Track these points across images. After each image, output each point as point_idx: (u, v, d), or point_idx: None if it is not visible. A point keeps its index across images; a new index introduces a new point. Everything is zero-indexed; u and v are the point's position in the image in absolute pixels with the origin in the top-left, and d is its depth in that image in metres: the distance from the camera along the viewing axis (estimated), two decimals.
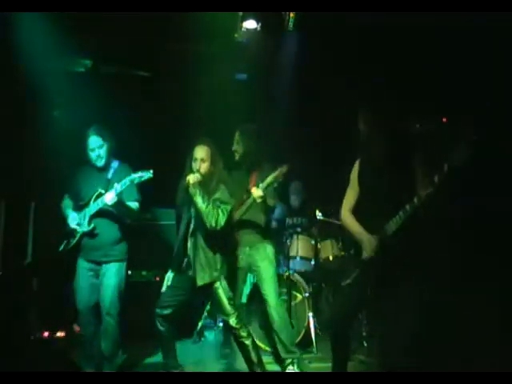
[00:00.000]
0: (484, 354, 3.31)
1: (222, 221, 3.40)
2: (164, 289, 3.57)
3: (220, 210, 3.41)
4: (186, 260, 3.51)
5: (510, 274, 3.58)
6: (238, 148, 3.96)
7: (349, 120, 3.07)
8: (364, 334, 4.41)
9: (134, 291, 4.73)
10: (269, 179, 3.64)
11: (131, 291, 3.96)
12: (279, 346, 3.86)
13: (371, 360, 4.05)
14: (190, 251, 3.52)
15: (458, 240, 3.79)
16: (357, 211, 3.07)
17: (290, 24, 4.59)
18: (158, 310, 3.52)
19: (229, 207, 3.46)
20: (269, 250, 3.96)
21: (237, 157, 3.98)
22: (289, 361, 3.83)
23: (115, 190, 3.60)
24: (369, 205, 2.97)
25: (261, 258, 3.92)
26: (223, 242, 3.56)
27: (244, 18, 4.64)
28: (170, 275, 3.58)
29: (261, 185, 3.65)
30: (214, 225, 3.37)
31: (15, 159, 4.79)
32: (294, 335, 3.98)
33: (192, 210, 3.52)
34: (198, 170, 3.47)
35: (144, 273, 5.03)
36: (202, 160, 3.49)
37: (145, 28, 4.56)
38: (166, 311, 3.52)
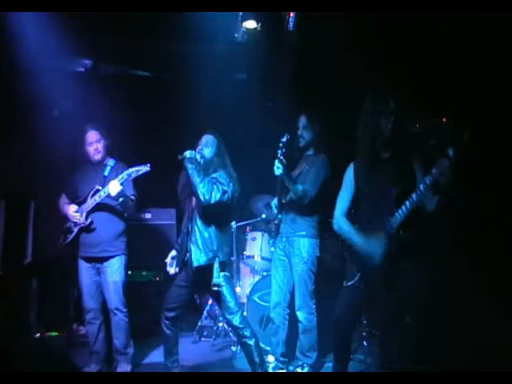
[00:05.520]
0: (485, 353, 3.31)
1: (216, 195, 3.37)
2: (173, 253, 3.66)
3: (215, 186, 3.40)
4: (188, 254, 3.50)
5: None
6: (304, 134, 3.84)
7: (349, 120, 3.06)
8: (364, 334, 4.40)
9: (134, 291, 4.73)
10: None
11: (131, 291, 3.96)
12: (297, 345, 3.83)
13: (371, 360, 4.05)
14: (185, 235, 3.54)
15: (465, 234, 3.75)
16: (355, 213, 3.05)
17: (290, 24, 4.58)
18: (166, 313, 3.53)
19: (225, 188, 3.44)
20: (303, 246, 3.78)
21: (302, 143, 3.87)
22: (300, 362, 3.82)
23: (118, 180, 3.62)
24: (369, 205, 2.96)
25: (293, 253, 3.81)
26: (219, 223, 3.53)
27: (244, 18, 4.63)
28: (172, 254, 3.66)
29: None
30: (207, 197, 3.35)
31: (15, 159, 4.79)
32: (315, 341, 3.81)
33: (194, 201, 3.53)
34: (201, 152, 3.52)
35: (144, 273, 5.04)
36: (206, 145, 3.57)
37: (145, 28, 4.55)
38: (173, 313, 3.53)
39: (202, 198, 3.35)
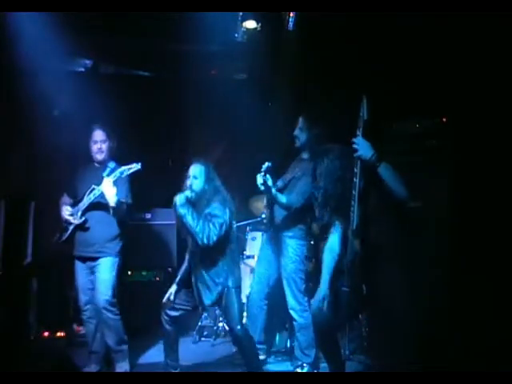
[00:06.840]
0: (480, 351, 3.30)
1: (214, 235, 3.34)
2: (174, 288, 3.58)
3: (211, 224, 3.35)
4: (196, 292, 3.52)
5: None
6: (300, 135, 3.84)
7: (349, 120, 3.06)
8: (364, 334, 4.40)
9: (134, 291, 4.74)
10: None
11: (131, 291, 3.96)
12: (295, 344, 3.87)
13: (371, 360, 4.04)
14: (192, 272, 3.55)
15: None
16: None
17: (290, 24, 4.58)
18: (167, 311, 3.52)
19: (221, 220, 3.39)
20: (291, 246, 3.82)
21: (297, 144, 3.87)
22: (299, 363, 3.83)
23: (111, 177, 3.62)
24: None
25: (281, 253, 3.85)
26: (223, 251, 3.49)
27: (244, 18, 4.63)
28: (172, 291, 3.60)
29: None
30: (205, 241, 3.32)
31: (15, 159, 4.79)
32: (313, 338, 3.78)
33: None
34: (190, 187, 3.48)
35: (144, 273, 5.03)
36: (195, 177, 3.51)
37: (145, 28, 4.56)
38: (175, 313, 3.53)
39: (200, 243, 3.34)
